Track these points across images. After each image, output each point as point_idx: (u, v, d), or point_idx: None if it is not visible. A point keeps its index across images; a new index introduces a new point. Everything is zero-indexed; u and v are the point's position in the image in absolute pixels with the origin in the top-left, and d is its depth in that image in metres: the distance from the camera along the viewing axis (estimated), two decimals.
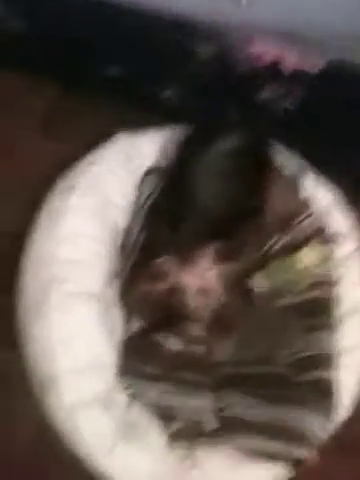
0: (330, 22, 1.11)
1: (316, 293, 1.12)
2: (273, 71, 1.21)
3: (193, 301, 0.93)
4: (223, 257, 0.93)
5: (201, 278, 0.92)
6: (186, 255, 0.93)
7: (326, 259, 1.16)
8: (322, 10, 1.09)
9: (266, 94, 1.25)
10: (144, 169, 1.21)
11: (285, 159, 1.25)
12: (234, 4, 1.13)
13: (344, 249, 1.20)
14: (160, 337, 1.03)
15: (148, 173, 1.21)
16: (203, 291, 0.93)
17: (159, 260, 0.93)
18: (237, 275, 0.95)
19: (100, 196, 1.14)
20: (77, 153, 1.23)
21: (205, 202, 1.03)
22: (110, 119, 1.34)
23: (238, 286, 0.96)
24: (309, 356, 1.05)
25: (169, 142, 1.25)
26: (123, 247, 1.18)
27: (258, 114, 1.28)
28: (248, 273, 1.12)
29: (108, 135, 1.25)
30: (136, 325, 1.07)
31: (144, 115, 1.34)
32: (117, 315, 1.07)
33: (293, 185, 1.24)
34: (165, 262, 0.93)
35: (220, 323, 0.98)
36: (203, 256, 0.93)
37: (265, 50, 1.23)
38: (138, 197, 1.19)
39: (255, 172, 1.11)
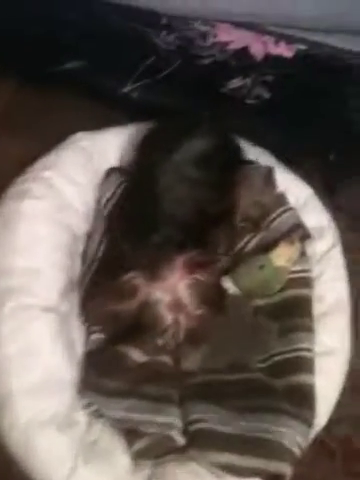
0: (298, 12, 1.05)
1: (293, 292, 1.05)
2: (242, 59, 1.14)
3: (165, 316, 0.85)
4: (194, 267, 0.86)
5: (172, 292, 0.85)
6: (154, 268, 0.85)
7: (303, 256, 1.09)
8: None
9: (236, 84, 1.18)
10: (104, 169, 1.14)
11: (256, 154, 1.19)
12: None
13: (322, 245, 1.13)
14: (123, 349, 0.95)
15: (109, 173, 1.14)
16: (175, 305, 0.85)
17: (126, 276, 0.86)
18: (211, 284, 0.88)
19: (57, 200, 1.07)
20: (37, 152, 1.16)
21: (172, 208, 0.96)
22: (71, 115, 1.28)
23: (212, 294, 0.88)
24: (286, 360, 0.97)
25: (132, 140, 1.18)
26: (84, 255, 1.11)
27: (228, 106, 1.21)
28: (220, 276, 1.06)
29: (69, 132, 1.18)
30: (97, 337, 0.99)
31: (107, 111, 1.28)
32: (77, 328, 0.99)
33: (265, 182, 1.17)
34: (133, 278, 0.85)
35: (190, 334, 0.90)
36: (172, 268, 0.85)
37: (232, 38, 1.17)
38: (99, 200, 1.12)
39: (225, 171, 1.04)
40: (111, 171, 1.15)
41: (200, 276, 0.86)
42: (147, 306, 0.85)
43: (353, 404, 1.11)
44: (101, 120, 1.24)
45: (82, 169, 1.12)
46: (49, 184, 1.07)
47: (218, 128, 1.08)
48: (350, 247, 1.23)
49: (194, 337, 0.93)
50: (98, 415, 0.94)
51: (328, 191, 1.30)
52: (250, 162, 1.16)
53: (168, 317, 0.85)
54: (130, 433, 0.91)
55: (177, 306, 0.85)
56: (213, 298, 0.91)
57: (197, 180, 0.99)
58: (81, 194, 1.11)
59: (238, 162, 1.12)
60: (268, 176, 1.17)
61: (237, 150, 1.12)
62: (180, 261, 0.86)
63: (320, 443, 1.01)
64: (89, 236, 1.12)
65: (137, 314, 0.87)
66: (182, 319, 0.86)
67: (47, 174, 1.09)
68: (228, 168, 1.06)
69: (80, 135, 1.17)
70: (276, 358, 0.98)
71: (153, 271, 0.85)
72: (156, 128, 1.11)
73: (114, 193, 1.11)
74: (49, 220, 1.04)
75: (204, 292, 0.87)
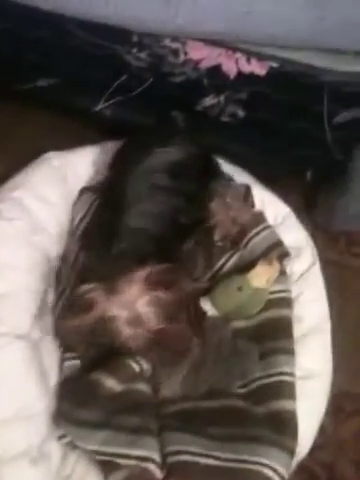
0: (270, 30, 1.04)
1: (273, 313, 1.02)
2: (215, 77, 1.12)
3: (122, 331, 0.82)
4: (156, 283, 0.82)
5: (130, 308, 0.81)
6: (112, 281, 0.82)
7: (282, 275, 1.07)
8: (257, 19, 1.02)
9: (209, 102, 1.16)
10: (77, 189, 1.11)
11: (233, 172, 1.17)
12: (166, 11, 1.05)
13: (300, 264, 1.12)
14: (98, 377, 0.91)
15: (82, 193, 1.11)
16: (133, 321, 0.82)
17: (83, 288, 0.82)
18: (174, 302, 0.84)
19: (29, 221, 1.03)
20: (6, 170, 1.13)
21: (139, 219, 0.93)
22: (44, 133, 1.25)
23: (176, 313, 0.85)
24: (266, 385, 0.95)
25: (105, 158, 1.16)
26: (57, 277, 1.07)
27: (203, 123, 1.19)
28: (197, 296, 1.03)
29: (41, 150, 1.16)
30: (72, 364, 0.95)
31: (81, 129, 1.26)
32: (49, 354, 0.95)
33: (243, 200, 1.15)
34: (91, 291, 0.82)
35: (165, 356, 0.87)
36: (131, 282, 0.82)
37: (203, 55, 1.15)
38: (72, 220, 1.08)
39: (198, 181, 1.02)
40: (84, 191, 1.12)
41: (162, 293, 0.82)
42: (103, 321, 0.81)
43: (336, 427, 1.10)
44: (75, 138, 1.22)
45: (54, 189, 1.09)
46: (20, 204, 1.04)
47: (192, 138, 1.07)
48: (328, 264, 1.23)
49: (169, 358, 0.90)
50: (73, 446, 0.90)
51: (306, 209, 1.29)
52: (226, 176, 1.15)
53: (125, 331, 0.81)
54: (106, 464, 0.87)
55: (136, 322, 0.81)
56: (178, 317, 0.87)
57: (168, 189, 0.97)
58: (54, 215, 1.07)
59: (213, 172, 1.09)
60: (246, 194, 1.16)
61: (211, 160, 1.10)
62: (141, 276, 0.82)
63: (303, 468, 0.98)
64: (63, 258, 1.09)
65: (93, 329, 0.83)
66: (141, 334, 0.82)
67: (17, 194, 1.05)
68: (202, 178, 1.04)
69: (52, 154, 1.14)
70: (256, 383, 0.95)
71: (111, 284, 0.81)
72: (127, 141, 1.09)
73: (87, 212, 1.08)
74: (21, 242, 1.00)
75: (167, 310, 0.83)
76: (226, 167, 1.17)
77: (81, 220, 1.06)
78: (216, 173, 1.10)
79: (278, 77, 1.02)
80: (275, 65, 1.02)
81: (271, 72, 1.03)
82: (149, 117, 1.20)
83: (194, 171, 1.02)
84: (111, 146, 1.17)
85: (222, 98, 1.12)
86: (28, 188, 1.06)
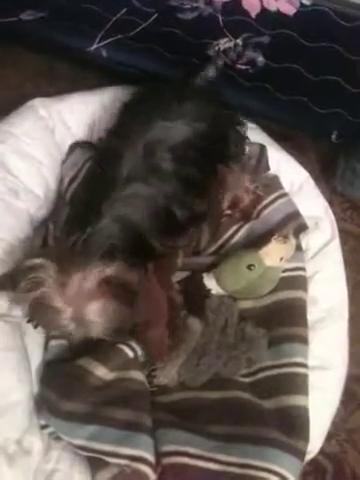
0: None
1: (285, 295, 0.91)
2: (233, 14, 0.95)
3: (66, 327, 0.71)
4: (112, 290, 0.70)
5: (76, 309, 0.70)
6: (68, 270, 0.70)
7: (298, 251, 0.94)
8: None
9: (224, 45, 0.99)
10: (67, 144, 0.97)
11: (246, 132, 1.02)
12: None
13: (318, 238, 0.99)
14: (87, 363, 0.80)
15: (72, 149, 0.97)
16: (78, 322, 0.71)
17: (33, 262, 0.69)
18: (130, 316, 0.72)
19: (10, 181, 0.90)
20: None
21: (124, 206, 0.78)
22: (29, 77, 1.10)
23: (123, 325, 0.74)
24: (276, 376, 0.84)
25: (101, 108, 1.00)
26: (45, 245, 0.94)
27: (215, 71, 1.03)
28: (200, 272, 0.91)
29: (26, 97, 1.00)
30: (57, 344, 0.84)
31: (72, 72, 1.10)
32: (32, 334, 0.84)
33: (256, 162, 1.01)
34: (40, 269, 0.69)
35: (159, 341, 0.77)
36: (87, 280, 0.69)
37: None
38: (61, 181, 0.95)
39: (201, 173, 0.86)
40: (75, 146, 0.98)
41: (115, 304, 0.70)
42: (43, 306, 0.69)
43: (346, 416, 1.01)
44: (66, 84, 1.07)
45: (40, 143, 0.94)
46: (1, 162, 0.90)
47: (204, 95, 0.91)
48: (346, 236, 1.11)
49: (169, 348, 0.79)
50: (57, 437, 0.81)
51: (324, 174, 1.16)
52: (239, 139, 1.00)
53: (69, 327, 0.70)
54: (94, 460, 0.78)
55: (80, 323, 0.70)
56: (123, 329, 0.76)
57: (167, 173, 0.82)
58: (40, 175, 0.93)
59: (226, 156, 0.93)
60: (260, 155, 1.02)
61: (228, 140, 0.93)
62: (99, 275, 0.70)
63: (311, 461, 0.89)
64: (50, 222, 0.96)
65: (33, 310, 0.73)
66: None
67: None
68: (209, 163, 0.88)
69: (38, 101, 0.98)
70: (265, 373, 0.85)
71: (65, 272, 0.69)
72: (129, 103, 0.92)
73: (78, 173, 0.94)
74: (1, 206, 0.87)
75: (116, 322, 0.71)
76: (236, 123, 1.02)
77: (71, 181, 0.93)
78: (231, 156, 0.94)
79: (309, 18, 0.85)
80: (307, 2, 0.85)
81: (301, 12, 0.86)
82: (151, 61, 1.03)
83: (201, 154, 0.85)
84: (108, 94, 1.02)
85: (240, 41, 0.96)
86: (9, 143, 0.91)
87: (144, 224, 0.79)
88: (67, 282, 0.69)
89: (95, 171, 0.84)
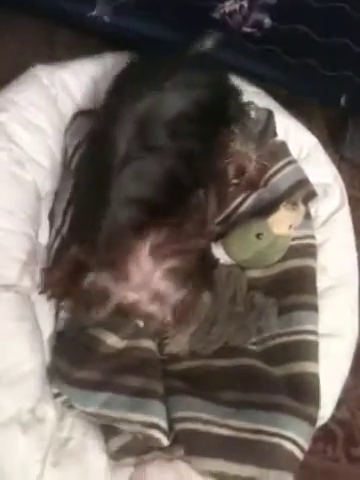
0: None
1: (295, 263, 0.90)
2: None
3: (150, 311, 0.70)
4: (163, 253, 0.69)
5: (147, 288, 0.69)
6: (117, 264, 0.69)
7: (307, 219, 0.93)
8: None
9: (230, 7, 0.96)
10: (71, 112, 0.95)
11: (252, 95, 1.00)
12: None
13: (327, 205, 0.98)
14: (99, 332, 0.81)
15: (76, 117, 0.95)
16: (155, 298, 0.70)
17: (91, 278, 0.69)
18: (189, 265, 0.71)
19: (14, 152, 0.88)
20: None
21: (131, 188, 0.76)
22: (30, 42, 1.07)
23: (193, 275, 0.72)
24: (286, 344, 0.84)
25: (105, 74, 0.98)
26: (51, 216, 0.93)
27: (220, 35, 1.00)
28: (208, 242, 0.90)
29: (27, 64, 0.97)
30: (67, 319, 0.84)
31: (74, 38, 1.07)
32: (42, 304, 0.84)
33: (263, 128, 0.99)
34: (99, 280, 0.69)
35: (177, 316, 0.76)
36: (138, 261, 0.69)
37: None
38: (65, 150, 0.93)
39: (201, 145, 0.83)
40: (78, 115, 0.95)
41: (173, 262, 0.70)
42: (125, 308, 0.70)
43: (356, 382, 1.01)
44: (68, 51, 1.04)
45: (44, 112, 0.92)
46: (3, 132, 0.88)
47: (208, 62, 0.88)
48: (355, 204, 1.09)
49: (181, 318, 0.79)
50: (70, 406, 0.81)
51: (332, 141, 1.13)
52: (245, 104, 0.97)
53: (150, 310, 0.70)
54: (107, 428, 0.79)
55: (158, 298, 0.70)
56: (195, 279, 0.74)
57: (165, 149, 0.78)
58: (44, 143, 0.91)
59: (227, 120, 0.90)
60: (267, 121, 1.00)
61: (228, 105, 0.90)
62: (145, 251, 0.69)
63: (321, 426, 0.90)
64: (56, 194, 0.95)
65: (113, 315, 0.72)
66: (164, 309, 0.71)
67: (0, 118, 0.89)
68: (209, 132, 0.85)
69: (40, 69, 0.96)
70: (275, 341, 0.85)
71: (117, 268, 0.69)
72: (133, 62, 0.90)
73: (82, 141, 0.92)
74: (5, 178, 0.85)
75: (183, 275, 0.71)
76: (245, 89, 1.00)
77: (75, 151, 0.91)
78: (232, 120, 0.91)
79: None
80: None
81: None
82: (155, 25, 1.00)
83: (199, 124, 0.82)
84: (110, 60, 0.99)
85: (245, 3, 0.93)
86: (12, 111, 0.89)
87: (152, 197, 0.77)
88: (126, 275, 0.68)
89: (96, 145, 0.81)
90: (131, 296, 0.69)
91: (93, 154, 0.81)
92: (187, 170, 0.80)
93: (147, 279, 0.69)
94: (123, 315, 0.71)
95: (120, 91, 0.81)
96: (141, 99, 0.77)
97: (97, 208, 0.74)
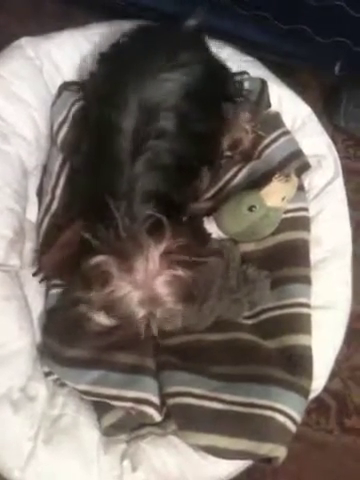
0: None
1: (288, 236, 0.89)
2: None
3: (137, 312, 0.69)
4: (174, 260, 0.67)
5: (147, 287, 0.67)
6: (126, 256, 0.67)
7: (300, 191, 0.91)
8: None
9: None
10: (57, 84, 0.92)
11: (246, 65, 0.97)
12: None
13: (321, 176, 0.96)
14: (87, 309, 0.79)
15: (62, 90, 0.92)
16: (150, 301, 0.68)
17: (97, 260, 0.67)
18: (192, 279, 0.69)
19: None
20: None
21: (145, 180, 0.74)
22: (14, 14, 1.03)
23: (194, 289, 0.71)
24: (279, 317, 0.83)
25: (93, 46, 0.95)
26: (40, 191, 0.92)
27: (213, 3, 0.96)
28: (200, 216, 0.89)
29: (12, 37, 0.93)
30: (58, 292, 0.84)
31: (61, 7, 1.04)
32: (31, 281, 0.83)
33: (257, 99, 0.96)
34: (103, 264, 0.67)
35: None
36: (147, 259, 0.67)
37: None
38: (52, 124, 0.91)
39: (207, 125, 0.81)
40: (65, 86, 0.93)
41: (181, 272, 0.68)
42: (117, 299, 0.67)
43: (349, 354, 1.01)
44: (52, 21, 1.00)
45: (29, 85, 0.89)
46: None
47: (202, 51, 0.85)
48: (349, 174, 1.07)
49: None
50: (61, 384, 0.81)
51: (326, 110, 1.11)
52: (238, 72, 0.94)
53: (140, 312, 0.68)
54: (99, 405, 0.79)
55: (152, 302, 0.68)
56: (194, 293, 0.73)
57: (177, 134, 0.76)
58: (29, 116, 0.89)
59: (228, 96, 0.87)
60: (261, 90, 0.97)
61: (227, 79, 0.87)
62: (156, 253, 0.67)
63: (314, 398, 0.90)
64: (44, 169, 0.93)
65: (105, 303, 0.70)
66: (158, 313, 0.69)
67: None
68: (215, 106, 0.83)
69: (25, 41, 0.92)
70: (268, 314, 0.84)
71: (125, 260, 0.67)
72: (127, 32, 0.84)
73: (67, 115, 0.89)
74: None
75: (185, 289, 0.69)
76: (237, 57, 0.97)
77: (61, 125, 0.89)
78: (232, 94, 0.88)
79: None
80: None
81: None
82: None
83: (204, 104, 0.80)
84: (97, 30, 0.96)
85: None
86: None
87: (164, 188, 0.75)
88: (131, 268, 0.66)
89: (94, 141, 0.79)
90: (127, 288, 0.67)
91: (97, 146, 0.78)
92: (196, 152, 0.79)
93: (150, 281, 0.67)
94: (113, 309, 0.69)
95: (119, 75, 0.78)
96: (144, 85, 0.75)
97: (108, 201, 0.71)
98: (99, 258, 0.67)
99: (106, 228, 0.69)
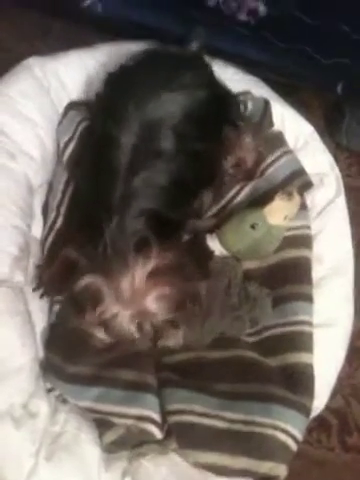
0: None
1: (290, 253, 0.89)
2: None
3: (129, 329, 0.70)
4: (162, 278, 0.68)
5: (137, 305, 0.68)
6: (115, 276, 0.68)
7: (302, 209, 0.92)
8: None
9: None
10: (64, 103, 0.94)
11: (248, 84, 0.99)
12: None
13: (323, 194, 0.97)
14: (90, 325, 0.80)
15: (68, 109, 0.94)
16: (140, 315, 0.69)
17: (87, 281, 0.68)
18: (182, 290, 0.70)
19: (6, 145, 0.87)
20: None
21: (140, 197, 0.74)
22: (22, 36, 1.06)
23: (184, 299, 0.71)
24: (281, 335, 0.84)
25: (96, 66, 0.97)
26: (45, 209, 0.93)
27: (215, 24, 0.98)
28: (203, 234, 0.90)
29: (19, 57, 0.96)
30: (60, 313, 0.84)
31: (67, 29, 1.06)
32: (37, 298, 0.83)
33: (260, 118, 0.98)
34: (96, 284, 0.68)
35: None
36: (136, 279, 0.67)
37: None
38: (57, 142, 0.92)
39: (206, 145, 0.81)
40: (71, 106, 0.94)
41: (169, 287, 0.68)
42: (110, 318, 0.68)
43: (350, 371, 1.01)
44: (60, 42, 1.03)
45: (36, 104, 0.91)
46: None
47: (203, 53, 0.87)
48: (350, 192, 1.08)
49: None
50: (64, 400, 0.81)
51: (328, 129, 1.12)
52: (242, 93, 0.96)
53: (132, 329, 0.69)
54: (101, 421, 0.79)
55: (143, 317, 0.69)
56: (186, 303, 0.73)
57: (176, 153, 0.77)
58: (36, 135, 0.91)
59: (228, 117, 0.88)
60: (264, 110, 0.98)
61: (227, 101, 0.88)
62: (143, 272, 0.68)
63: (316, 416, 0.90)
64: (50, 186, 0.94)
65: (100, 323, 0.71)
66: (148, 325, 0.70)
67: None
68: (217, 128, 0.84)
69: (33, 60, 0.95)
70: (270, 332, 0.84)
71: (113, 279, 0.68)
72: (122, 71, 0.84)
73: (74, 134, 0.91)
74: None
75: (175, 301, 0.70)
76: (241, 77, 0.99)
77: (67, 144, 0.90)
78: (234, 116, 0.89)
79: None
80: None
81: None
82: (149, 15, 0.99)
83: (205, 126, 0.81)
84: (104, 51, 0.98)
85: None
86: (4, 103, 0.88)
87: (160, 206, 0.76)
88: (120, 288, 0.67)
89: (94, 154, 0.80)
90: (117, 308, 0.68)
91: (96, 159, 0.79)
92: (194, 173, 0.80)
93: (139, 299, 0.68)
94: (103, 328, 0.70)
95: (122, 93, 0.79)
96: (145, 103, 0.76)
97: (101, 214, 0.72)
98: (88, 279, 0.68)
99: (95, 246, 0.70)
